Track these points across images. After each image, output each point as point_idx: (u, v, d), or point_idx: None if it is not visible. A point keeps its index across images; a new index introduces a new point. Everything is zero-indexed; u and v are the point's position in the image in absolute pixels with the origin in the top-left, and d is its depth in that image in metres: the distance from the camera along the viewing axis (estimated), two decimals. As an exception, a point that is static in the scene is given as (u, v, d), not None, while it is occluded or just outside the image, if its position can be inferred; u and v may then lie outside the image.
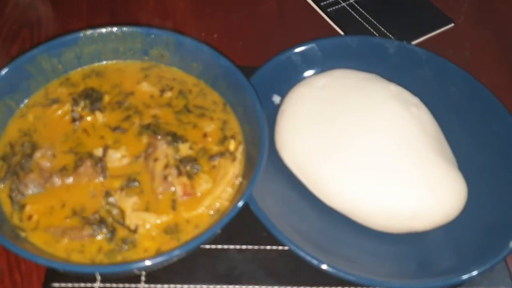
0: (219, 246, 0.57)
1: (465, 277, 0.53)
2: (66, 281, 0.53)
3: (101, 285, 0.53)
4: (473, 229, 0.57)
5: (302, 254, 0.52)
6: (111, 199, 0.52)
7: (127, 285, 0.54)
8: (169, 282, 0.54)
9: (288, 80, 0.68)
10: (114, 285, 0.54)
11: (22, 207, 0.52)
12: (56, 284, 0.53)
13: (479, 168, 0.61)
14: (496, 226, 0.57)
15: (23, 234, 0.50)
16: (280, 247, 0.57)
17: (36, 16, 0.79)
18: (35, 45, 0.60)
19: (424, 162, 0.57)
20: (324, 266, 0.52)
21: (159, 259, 0.47)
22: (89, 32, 0.61)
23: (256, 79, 0.65)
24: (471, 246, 0.56)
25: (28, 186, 0.53)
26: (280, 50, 0.68)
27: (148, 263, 0.46)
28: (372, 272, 0.53)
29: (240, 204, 0.50)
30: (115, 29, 0.61)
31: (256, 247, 0.58)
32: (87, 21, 0.79)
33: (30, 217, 0.51)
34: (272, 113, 0.65)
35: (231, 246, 0.57)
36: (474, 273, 0.53)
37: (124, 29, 0.61)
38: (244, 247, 0.57)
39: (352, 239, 0.58)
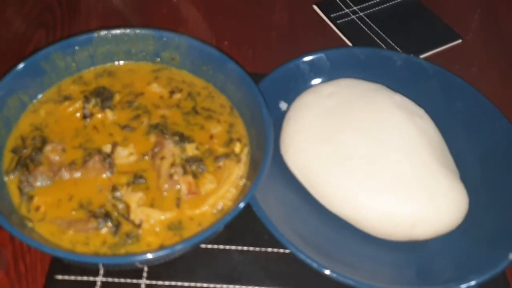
0: (221, 246, 0.58)
1: (463, 286, 0.53)
2: (69, 274, 0.54)
3: (104, 279, 0.54)
4: (473, 239, 0.58)
5: (302, 256, 0.53)
6: (117, 194, 0.53)
7: (128, 280, 0.55)
8: (170, 279, 0.55)
9: (296, 87, 0.69)
10: (116, 279, 0.54)
11: (30, 198, 0.53)
12: (60, 277, 0.54)
13: (481, 180, 0.62)
14: (496, 237, 0.57)
15: (30, 224, 0.52)
16: (281, 250, 0.58)
17: (52, 18, 0.81)
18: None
19: (426, 171, 0.57)
20: (324, 270, 0.52)
21: (161, 253, 0.48)
22: (103, 32, 0.62)
23: (264, 85, 0.66)
24: (470, 256, 0.57)
25: (37, 178, 0.54)
26: (289, 59, 0.69)
27: (150, 256, 0.47)
28: (371, 278, 0.54)
29: (243, 204, 0.51)
30: (128, 30, 0.63)
31: (257, 249, 0.58)
32: (101, 26, 0.81)
33: (37, 208, 0.53)
34: (278, 119, 0.66)
35: (233, 247, 0.58)
36: (473, 283, 0.53)
37: (137, 31, 0.63)
38: (245, 248, 0.58)
39: (353, 245, 0.58)
